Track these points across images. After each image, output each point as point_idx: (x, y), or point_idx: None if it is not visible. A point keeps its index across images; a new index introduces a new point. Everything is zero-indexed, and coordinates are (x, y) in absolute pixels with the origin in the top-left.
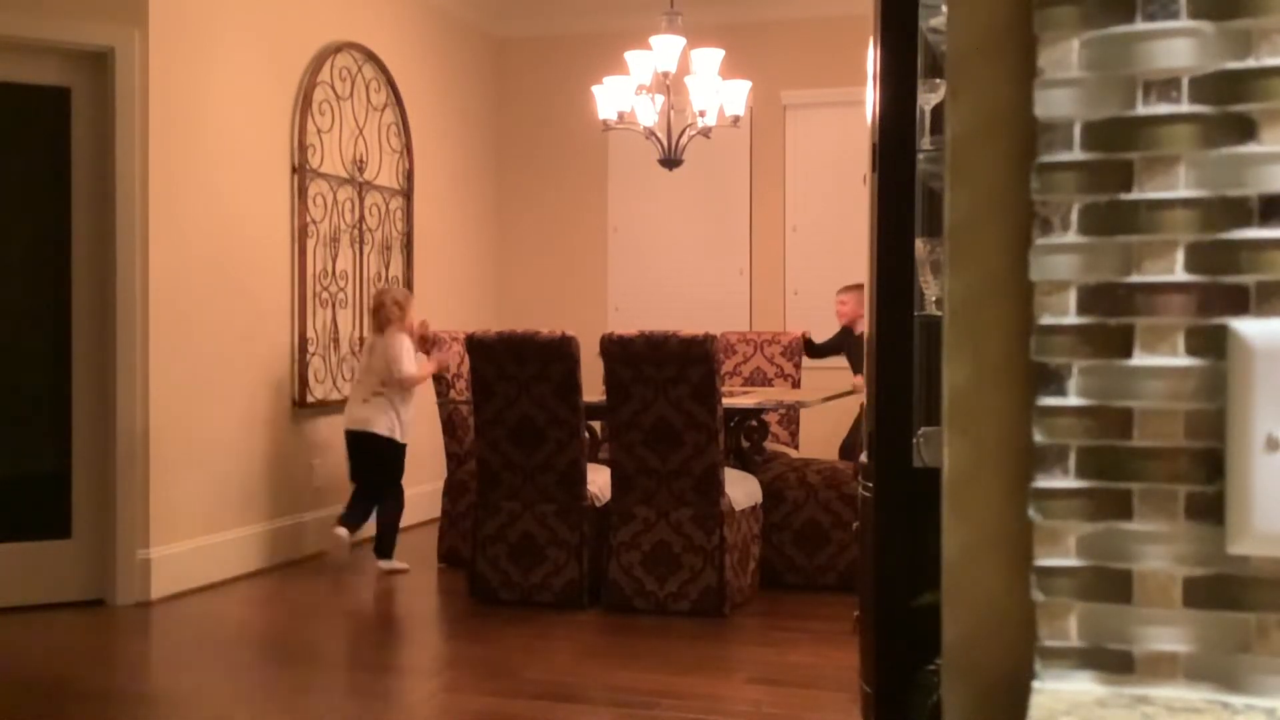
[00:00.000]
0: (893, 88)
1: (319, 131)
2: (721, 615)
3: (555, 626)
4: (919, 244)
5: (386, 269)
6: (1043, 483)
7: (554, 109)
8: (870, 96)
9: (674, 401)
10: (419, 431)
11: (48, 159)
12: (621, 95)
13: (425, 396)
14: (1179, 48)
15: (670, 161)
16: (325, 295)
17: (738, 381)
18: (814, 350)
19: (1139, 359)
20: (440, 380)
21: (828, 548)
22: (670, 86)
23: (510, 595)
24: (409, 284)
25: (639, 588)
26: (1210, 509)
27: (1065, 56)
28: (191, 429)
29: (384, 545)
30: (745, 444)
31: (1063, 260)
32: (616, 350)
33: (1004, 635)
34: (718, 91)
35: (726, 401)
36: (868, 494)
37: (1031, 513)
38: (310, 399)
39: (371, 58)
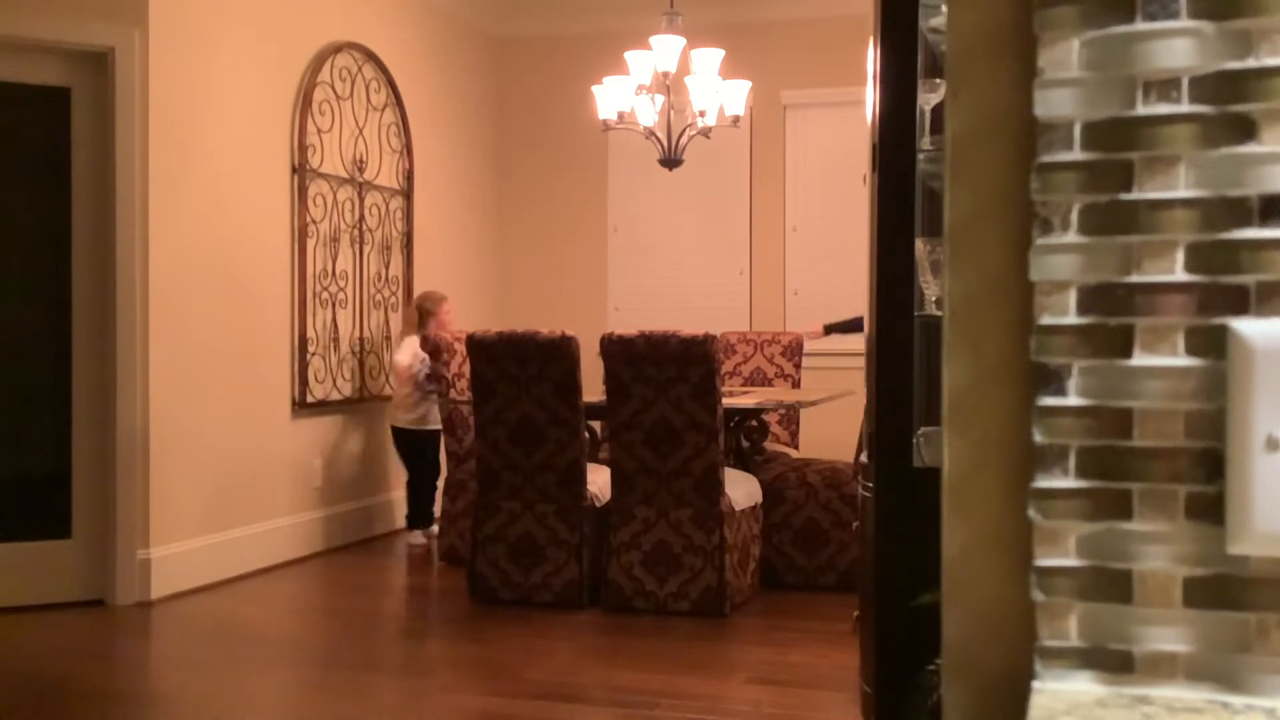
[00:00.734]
0: (893, 88)
1: (319, 131)
2: (721, 615)
3: (555, 626)
4: (919, 244)
5: (386, 269)
6: (1043, 483)
7: (554, 109)
8: (870, 96)
9: (674, 401)
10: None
11: (48, 159)
12: (621, 95)
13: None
14: (1179, 48)
15: (670, 162)
16: (325, 295)
17: (738, 381)
18: (833, 328)
19: (1139, 359)
20: (440, 380)
21: (828, 548)
22: (670, 86)
23: (510, 595)
24: (409, 284)
25: (639, 588)
26: (1210, 509)
27: (1065, 56)
28: (191, 429)
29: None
30: (745, 444)
31: (1063, 260)
32: (616, 350)
33: (1004, 635)
34: (718, 91)
35: (726, 401)
36: (868, 494)
37: (1031, 513)
38: (310, 399)
39: (371, 58)
